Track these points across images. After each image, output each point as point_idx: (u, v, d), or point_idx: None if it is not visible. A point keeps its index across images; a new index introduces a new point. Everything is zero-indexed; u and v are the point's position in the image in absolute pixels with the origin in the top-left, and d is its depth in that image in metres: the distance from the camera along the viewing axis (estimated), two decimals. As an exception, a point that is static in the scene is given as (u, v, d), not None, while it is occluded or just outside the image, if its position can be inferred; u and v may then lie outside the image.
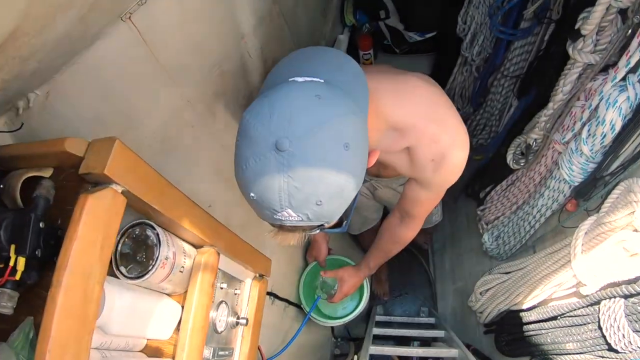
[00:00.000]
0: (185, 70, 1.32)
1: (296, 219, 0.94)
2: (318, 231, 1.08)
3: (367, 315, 3.36)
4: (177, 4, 1.24)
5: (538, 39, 2.04)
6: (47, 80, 0.94)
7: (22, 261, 0.71)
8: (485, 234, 2.36)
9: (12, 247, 0.72)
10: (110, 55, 1.04)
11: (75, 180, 0.79)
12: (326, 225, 1.04)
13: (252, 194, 0.94)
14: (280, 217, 0.94)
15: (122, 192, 0.80)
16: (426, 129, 1.29)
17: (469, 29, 2.52)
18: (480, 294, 2.29)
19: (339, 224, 1.15)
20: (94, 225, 0.73)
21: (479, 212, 2.49)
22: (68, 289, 0.68)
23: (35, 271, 0.74)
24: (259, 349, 1.63)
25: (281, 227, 1.02)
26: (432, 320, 3.18)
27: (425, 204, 1.65)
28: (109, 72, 1.06)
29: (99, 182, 0.77)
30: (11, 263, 0.71)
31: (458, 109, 1.62)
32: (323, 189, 0.91)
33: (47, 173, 0.84)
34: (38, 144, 0.85)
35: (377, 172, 2.13)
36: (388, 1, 2.91)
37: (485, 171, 2.62)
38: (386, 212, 2.76)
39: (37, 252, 0.73)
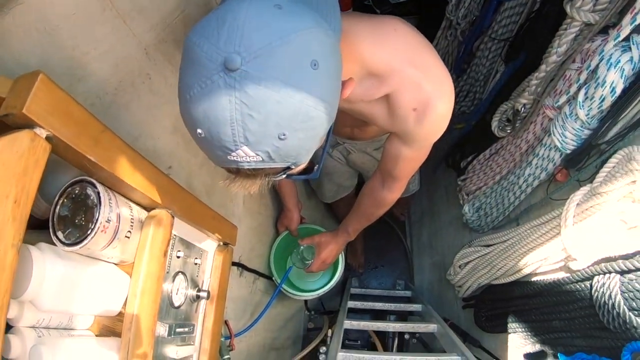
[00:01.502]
0: (142, 14, 1.16)
1: (255, 159, 0.78)
2: (284, 176, 0.91)
3: (341, 287, 3.30)
4: None
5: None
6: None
7: None
8: (466, 205, 2.28)
9: None
10: None
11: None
12: (293, 168, 0.87)
13: (199, 131, 0.78)
14: (235, 158, 0.78)
15: (47, 138, 0.66)
16: (408, 74, 1.16)
17: (456, -12, 2.42)
18: (460, 267, 2.22)
19: (309, 170, 1.00)
20: (5, 174, 0.60)
21: (459, 183, 2.41)
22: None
23: None
24: (226, 323, 1.53)
25: (238, 172, 0.85)
26: (408, 293, 3.13)
27: (408, 162, 1.53)
28: (54, 13, 0.91)
29: (21, 126, 0.64)
30: None
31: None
32: (286, 118, 0.75)
33: None
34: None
35: (351, 134, 2.02)
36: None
37: (467, 140, 2.53)
38: (361, 180, 2.67)
39: None
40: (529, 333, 1.67)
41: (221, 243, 1.35)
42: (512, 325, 1.77)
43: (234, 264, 1.69)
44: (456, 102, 2.46)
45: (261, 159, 0.78)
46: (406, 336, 2.72)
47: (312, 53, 0.76)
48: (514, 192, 1.83)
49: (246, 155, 0.77)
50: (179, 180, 1.30)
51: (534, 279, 1.68)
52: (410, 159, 1.50)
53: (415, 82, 1.17)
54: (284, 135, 0.76)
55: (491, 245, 1.96)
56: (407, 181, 1.71)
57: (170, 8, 1.27)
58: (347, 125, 1.94)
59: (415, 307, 2.55)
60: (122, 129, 1.11)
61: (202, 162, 1.52)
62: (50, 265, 0.75)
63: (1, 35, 0.81)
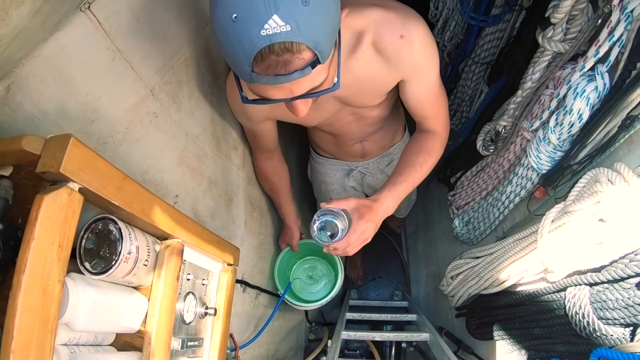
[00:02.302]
0: (148, 58, 1.29)
1: (285, 28, 0.91)
2: (311, 71, 1.03)
3: (341, 299, 3.40)
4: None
5: (509, 25, 2.06)
6: (7, 74, 0.91)
7: None
8: (456, 219, 2.39)
9: None
10: (70, 46, 1.02)
11: (34, 179, 0.78)
12: (319, 60, 1.01)
13: (234, 15, 0.92)
14: (268, 32, 0.91)
15: (79, 190, 0.78)
16: (377, 16, 1.37)
17: (440, 14, 2.55)
18: (451, 278, 2.32)
19: (331, 83, 1.16)
20: (51, 225, 0.72)
21: (449, 197, 2.52)
22: (28, 290, 0.68)
23: None
24: (231, 337, 1.64)
25: (270, 51, 0.96)
26: (405, 304, 3.23)
27: (431, 101, 1.61)
28: (69, 63, 1.03)
29: (56, 180, 0.76)
30: None
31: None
32: None
33: (7, 171, 0.83)
34: (-4, 141, 0.82)
35: (362, 151, 2.19)
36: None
37: (456, 156, 2.64)
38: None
39: None
40: (514, 340, 1.77)
41: (225, 264, 1.46)
42: (499, 333, 1.86)
43: (237, 281, 1.79)
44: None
45: (290, 29, 0.92)
46: (403, 345, 2.82)
47: None
48: (498, 208, 1.94)
49: (277, 25, 0.91)
50: (185, 207, 1.43)
51: (518, 289, 1.77)
52: (430, 96, 1.59)
53: (386, 17, 1.37)
54: (306, 1, 0.91)
55: (479, 257, 2.06)
56: (444, 124, 1.71)
57: (172, 52, 1.40)
58: (355, 138, 2.07)
59: (411, 317, 2.65)
60: (133, 162, 1.24)
61: (205, 189, 1.64)
62: (82, 292, 0.86)
63: (20, 84, 0.93)
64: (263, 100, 1.15)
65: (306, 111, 1.25)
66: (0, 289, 0.73)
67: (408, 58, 1.42)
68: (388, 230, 3.87)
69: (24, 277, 0.67)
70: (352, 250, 1.52)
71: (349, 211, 1.51)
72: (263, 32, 0.92)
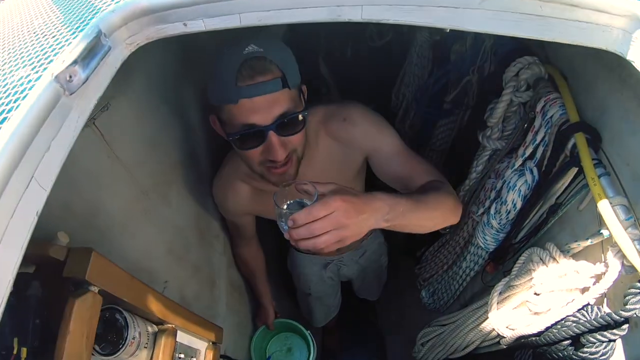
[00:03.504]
0: (141, 163, 1.51)
1: (259, 50, 1.23)
2: (282, 88, 1.26)
3: (321, 371, 3.50)
4: (136, 107, 1.45)
5: (459, 118, 2.30)
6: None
7: (24, 351, 0.87)
8: (423, 290, 2.56)
9: (15, 339, 0.87)
10: (76, 155, 1.18)
11: (57, 279, 0.96)
12: (287, 77, 1.26)
13: (224, 50, 1.25)
14: (247, 51, 1.22)
15: (99, 292, 0.98)
16: (322, 110, 1.60)
17: (401, 105, 2.79)
18: (422, 344, 2.46)
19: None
20: (80, 322, 0.92)
21: (416, 270, 2.69)
22: (66, 372, 0.87)
23: (33, 357, 0.89)
24: (218, 407, 1.79)
25: (249, 63, 1.23)
26: (382, 371, 3.34)
27: (405, 161, 1.56)
28: (75, 169, 1.21)
29: (80, 283, 0.95)
30: (15, 352, 0.86)
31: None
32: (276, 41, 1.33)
33: (31, 269, 0.99)
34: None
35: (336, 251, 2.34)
36: (329, 78, 3.17)
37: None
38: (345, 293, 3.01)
39: (35, 343, 0.90)
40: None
41: (210, 343, 1.64)
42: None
43: (221, 356, 1.93)
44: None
45: (263, 51, 1.24)
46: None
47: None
48: (457, 280, 2.14)
49: (254, 49, 1.23)
50: (173, 291, 1.61)
51: (479, 352, 1.96)
52: (400, 155, 1.57)
53: (328, 110, 1.60)
54: (276, 43, 1.31)
55: (445, 324, 2.22)
56: (430, 170, 1.55)
57: (162, 157, 1.65)
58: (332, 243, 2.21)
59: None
60: (128, 252, 1.43)
61: (191, 275, 1.83)
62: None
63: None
64: (247, 130, 1.30)
65: (283, 155, 1.32)
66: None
67: (358, 133, 1.57)
68: (363, 301, 4.01)
69: (62, 362, 0.86)
70: (319, 229, 1.09)
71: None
72: (244, 52, 1.22)
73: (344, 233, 1.11)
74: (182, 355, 1.42)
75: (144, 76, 1.49)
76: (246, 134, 1.30)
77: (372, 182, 1.77)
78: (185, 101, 1.83)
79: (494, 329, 1.73)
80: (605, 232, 1.24)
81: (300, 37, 2.69)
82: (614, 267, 1.22)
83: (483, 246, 1.79)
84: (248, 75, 1.22)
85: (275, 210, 1.17)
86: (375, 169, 1.64)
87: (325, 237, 1.09)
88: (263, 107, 1.26)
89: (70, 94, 0.77)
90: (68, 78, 0.76)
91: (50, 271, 0.97)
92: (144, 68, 1.47)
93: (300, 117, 1.33)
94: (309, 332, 2.54)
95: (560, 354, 1.40)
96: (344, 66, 3.18)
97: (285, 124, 1.30)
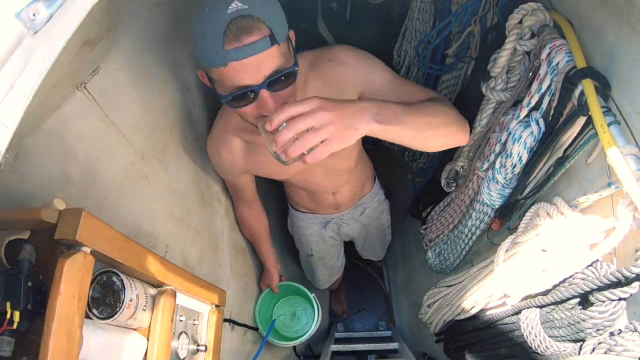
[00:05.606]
0: (137, 127, 1.48)
1: (243, 7, 1.16)
2: (271, 45, 1.22)
3: (327, 332, 3.51)
4: (126, 69, 1.41)
5: (462, 72, 2.24)
6: (16, 145, 1.05)
7: (17, 314, 0.85)
8: (429, 251, 2.53)
9: (8, 303, 0.86)
10: (70, 120, 1.19)
11: (50, 242, 0.94)
12: (274, 32, 1.21)
13: (206, 8, 1.18)
14: (231, 10, 1.15)
15: (91, 252, 0.95)
16: (309, 54, 1.61)
17: (403, 62, 2.73)
18: (428, 306, 2.44)
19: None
20: (71, 283, 0.89)
21: (422, 231, 2.66)
22: (55, 334, 0.84)
23: (27, 321, 0.88)
24: (222, 372, 1.77)
25: (236, 23, 1.17)
26: (388, 333, 3.35)
27: (400, 89, 1.59)
28: (69, 135, 1.20)
29: (71, 245, 0.93)
30: (8, 316, 0.85)
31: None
32: None
33: (25, 235, 0.98)
34: (16, 211, 0.99)
35: (334, 202, 2.34)
36: (329, 39, 3.10)
37: (426, 192, 2.80)
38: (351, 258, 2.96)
39: (28, 306, 0.88)
40: (486, 361, 1.92)
41: (213, 306, 1.61)
42: (473, 355, 2.01)
43: (225, 320, 1.92)
44: (414, 160, 2.77)
45: (247, 7, 1.16)
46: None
47: None
48: (463, 240, 2.10)
49: (237, 6, 1.16)
50: (175, 256, 1.58)
51: (485, 314, 1.92)
52: (393, 84, 1.60)
53: (315, 54, 1.61)
54: None
55: (451, 285, 2.19)
56: (428, 91, 1.63)
57: (158, 119, 1.60)
58: (327, 190, 2.24)
59: (393, 345, 2.79)
60: (128, 218, 1.41)
61: (192, 239, 1.80)
62: (93, 334, 1.02)
63: (28, 153, 1.08)
64: (238, 92, 1.28)
65: (275, 107, 1.29)
66: (28, 334, 0.88)
67: (347, 71, 1.57)
68: (369, 264, 4.01)
69: (53, 325, 0.84)
70: (302, 126, 1.10)
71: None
72: (228, 11, 1.15)
73: (329, 130, 1.10)
74: (183, 318, 1.41)
75: (133, 39, 1.45)
76: (238, 94, 1.28)
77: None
78: (179, 62, 1.78)
79: (500, 288, 1.68)
80: (614, 185, 1.18)
81: (299, -5, 2.61)
82: (625, 220, 1.16)
83: (488, 202, 1.74)
84: (235, 38, 1.18)
85: (265, 140, 1.21)
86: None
87: (311, 136, 1.09)
88: (253, 68, 1.23)
89: (35, 33, 0.75)
90: (31, 16, 0.74)
91: (44, 236, 0.96)
92: (131, 31, 1.43)
93: (290, 71, 1.31)
94: (313, 294, 2.52)
95: (567, 313, 1.36)
96: (343, 25, 3.11)
97: (277, 80, 1.28)
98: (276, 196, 3.15)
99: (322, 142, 1.11)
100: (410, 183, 3.23)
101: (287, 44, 1.32)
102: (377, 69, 1.61)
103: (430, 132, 1.39)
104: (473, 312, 1.97)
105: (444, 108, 1.47)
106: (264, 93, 1.27)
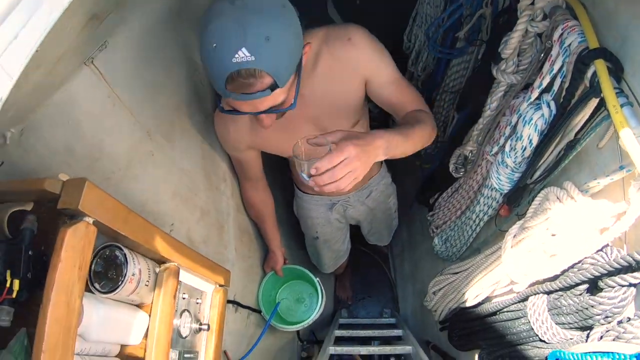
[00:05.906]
0: (144, 104, 1.46)
1: (250, 59, 1.20)
2: (271, 93, 1.31)
3: (331, 318, 3.50)
4: (134, 46, 1.40)
5: (473, 57, 2.21)
6: (22, 119, 1.05)
7: (16, 283, 0.85)
8: (435, 237, 2.51)
9: (8, 272, 0.85)
10: (76, 96, 1.18)
11: (53, 213, 0.93)
12: (277, 87, 1.29)
13: (213, 44, 1.21)
14: (237, 60, 1.19)
15: (93, 223, 0.93)
16: (325, 30, 1.65)
17: (413, 47, 2.70)
18: (434, 293, 2.43)
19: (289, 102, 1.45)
20: (72, 252, 0.87)
21: (429, 218, 2.64)
22: (55, 304, 0.83)
23: (27, 290, 0.87)
24: (225, 353, 1.76)
25: (238, 75, 1.24)
26: (392, 320, 3.34)
27: (400, 89, 1.77)
28: (75, 110, 1.19)
29: (74, 215, 0.92)
30: (7, 285, 0.84)
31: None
32: (270, 25, 1.21)
33: (29, 207, 0.97)
34: (20, 182, 0.98)
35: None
36: (338, 21, 3.06)
37: (433, 179, 2.78)
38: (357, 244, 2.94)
39: (28, 275, 0.87)
40: (490, 349, 1.90)
41: (217, 285, 1.59)
42: (478, 343, 1.99)
43: (229, 301, 1.92)
44: (422, 145, 2.74)
45: (254, 59, 1.20)
46: (392, 359, 2.93)
47: (284, 3, 1.29)
48: (470, 226, 2.08)
49: (244, 56, 1.19)
50: (180, 234, 1.57)
51: (492, 301, 1.89)
52: (395, 82, 1.76)
53: (332, 30, 1.65)
54: (268, 37, 1.20)
55: (457, 272, 2.18)
56: (420, 102, 1.81)
57: (165, 97, 1.58)
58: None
59: (397, 332, 2.77)
60: (134, 195, 1.40)
61: (198, 218, 1.78)
62: (94, 307, 1.01)
63: (34, 128, 1.07)
64: (236, 112, 1.43)
65: (270, 123, 1.53)
66: (27, 304, 0.87)
67: (361, 55, 1.64)
68: (375, 251, 4.00)
69: (52, 293, 0.83)
70: (339, 173, 1.26)
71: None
72: (234, 60, 1.19)
73: (357, 172, 1.30)
74: (186, 296, 1.40)
75: (142, 15, 1.45)
76: (236, 111, 1.46)
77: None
78: (188, 40, 1.76)
79: (507, 275, 1.66)
80: (626, 168, 1.16)
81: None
82: (637, 203, 1.13)
83: (497, 187, 1.71)
84: (236, 87, 1.28)
85: (296, 163, 1.37)
86: (370, 93, 1.80)
87: (345, 179, 1.29)
88: (252, 106, 1.39)
89: (42, -15, 0.72)
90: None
91: (47, 207, 0.96)
92: (140, 7, 1.43)
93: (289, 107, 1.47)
94: (317, 278, 2.51)
95: (576, 299, 1.34)
96: (353, 8, 3.07)
97: (273, 111, 1.44)
98: (282, 180, 3.13)
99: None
100: (418, 170, 3.20)
101: (293, 77, 1.40)
102: (388, 64, 1.72)
103: (419, 146, 1.64)
104: (479, 299, 1.95)
105: (427, 128, 1.66)
106: (262, 115, 1.48)
